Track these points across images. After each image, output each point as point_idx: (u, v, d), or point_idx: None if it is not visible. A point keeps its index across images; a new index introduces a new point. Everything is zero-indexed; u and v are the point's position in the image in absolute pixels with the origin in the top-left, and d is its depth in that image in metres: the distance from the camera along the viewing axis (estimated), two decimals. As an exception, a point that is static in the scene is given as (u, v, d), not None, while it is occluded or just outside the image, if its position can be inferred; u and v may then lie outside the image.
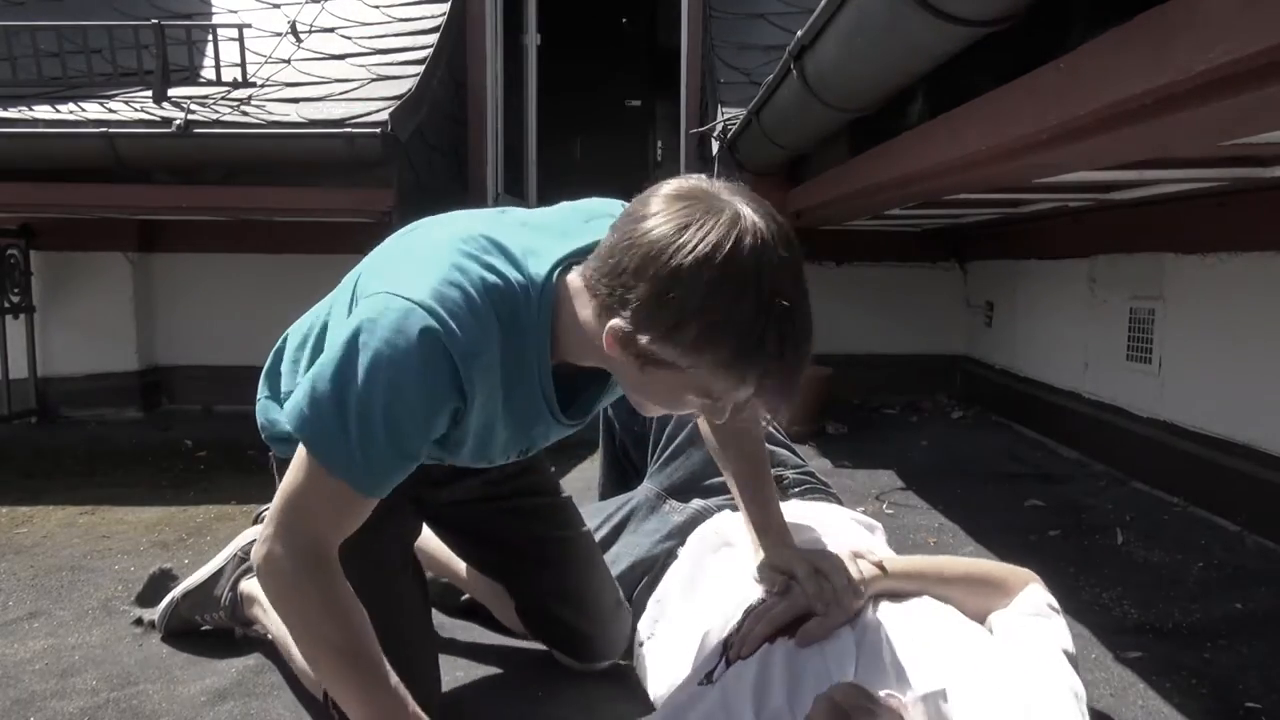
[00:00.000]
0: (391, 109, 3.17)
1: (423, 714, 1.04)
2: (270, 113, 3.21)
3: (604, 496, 1.95)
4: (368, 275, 1.10)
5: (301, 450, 0.99)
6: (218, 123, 3.11)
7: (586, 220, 1.14)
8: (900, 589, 1.14)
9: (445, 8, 4.08)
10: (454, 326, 0.96)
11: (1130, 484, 2.76)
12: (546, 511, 1.50)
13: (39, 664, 1.56)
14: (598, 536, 1.66)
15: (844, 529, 1.42)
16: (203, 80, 3.52)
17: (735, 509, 1.56)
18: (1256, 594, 1.87)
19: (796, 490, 1.68)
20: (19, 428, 3.68)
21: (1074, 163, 1.57)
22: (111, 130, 3.02)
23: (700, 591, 1.37)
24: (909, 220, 3.68)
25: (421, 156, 3.60)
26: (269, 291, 4.12)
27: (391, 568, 1.34)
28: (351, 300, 1.09)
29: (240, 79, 3.49)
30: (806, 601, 1.10)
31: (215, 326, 4.12)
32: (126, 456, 3.19)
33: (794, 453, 1.79)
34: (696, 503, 1.61)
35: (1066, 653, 1.09)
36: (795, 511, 1.51)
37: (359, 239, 4.65)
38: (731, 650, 1.11)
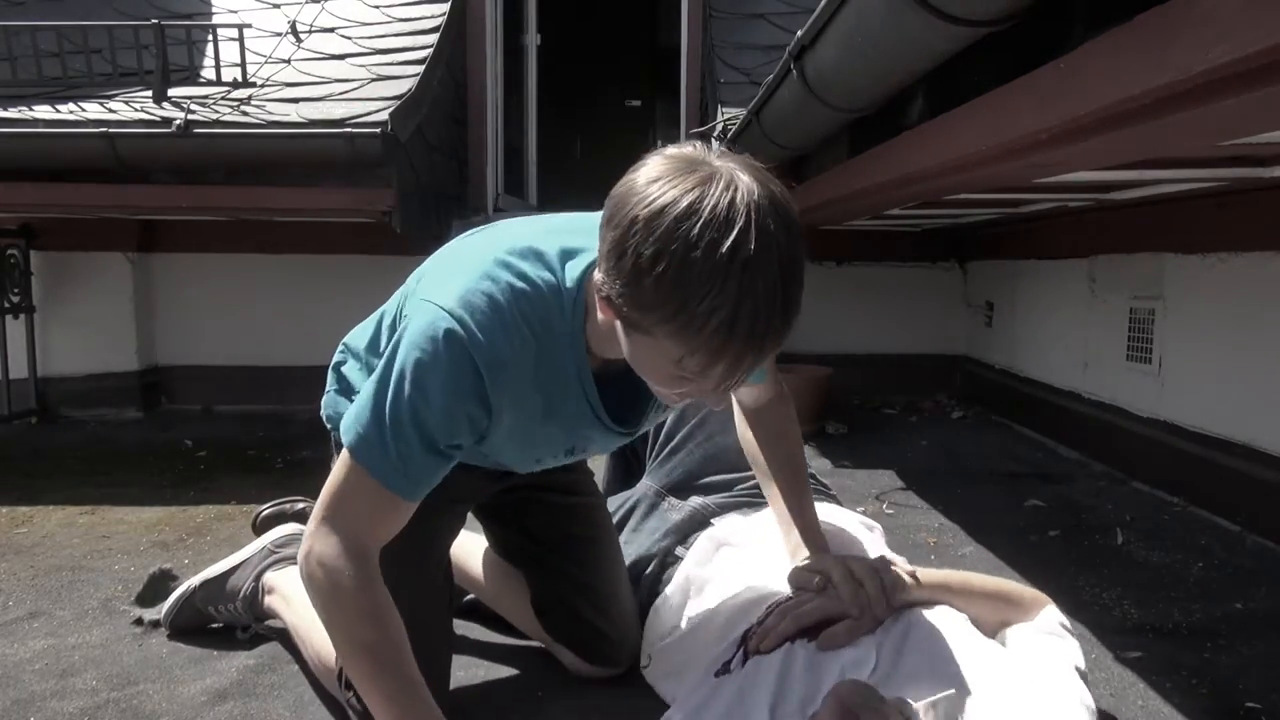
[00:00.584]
0: (391, 109, 3.17)
1: None
2: (270, 113, 3.21)
3: (608, 493, 1.95)
4: (424, 278, 1.13)
5: (345, 452, 1.03)
6: (218, 123, 3.11)
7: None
8: (924, 599, 1.15)
9: (445, 8, 4.08)
10: (478, 334, 0.98)
11: (1130, 484, 2.76)
12: (582, 511, 1.51)
13: (39, 664, 1.56)
14: None
15: (852, 530, 1.43)
16: (203, 80, 3.52)
17: (734, 508, 1.56)
18: (1256, 594, 1.87)
19: None
20: (19, 428, 3.68)
21: (1074, 163, 1.56)
22: (111, 130, 3.02)
23: (709, 592, 1.37)
24: (909, 220, 3.68)
25: (421, 156, 3.60)
26: (269, 291, 4.13)
27: (428, 564, 1.36)
28: (403, 300, 1.14)
29: (240, 79, 3.49)
30: (839, 605, 1.10)
31: (215, 326, 4.13)
32: (126, 456, 3.19)
33: None
34: (695, 500, 1.61)
35: (1079, 670, 1.10)
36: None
37: (359, 239, 4.69)
38: (751, 642, 1.11)
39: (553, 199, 4.71)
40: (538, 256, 1.06)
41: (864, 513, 1.82)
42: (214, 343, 4.12)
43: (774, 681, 1.04)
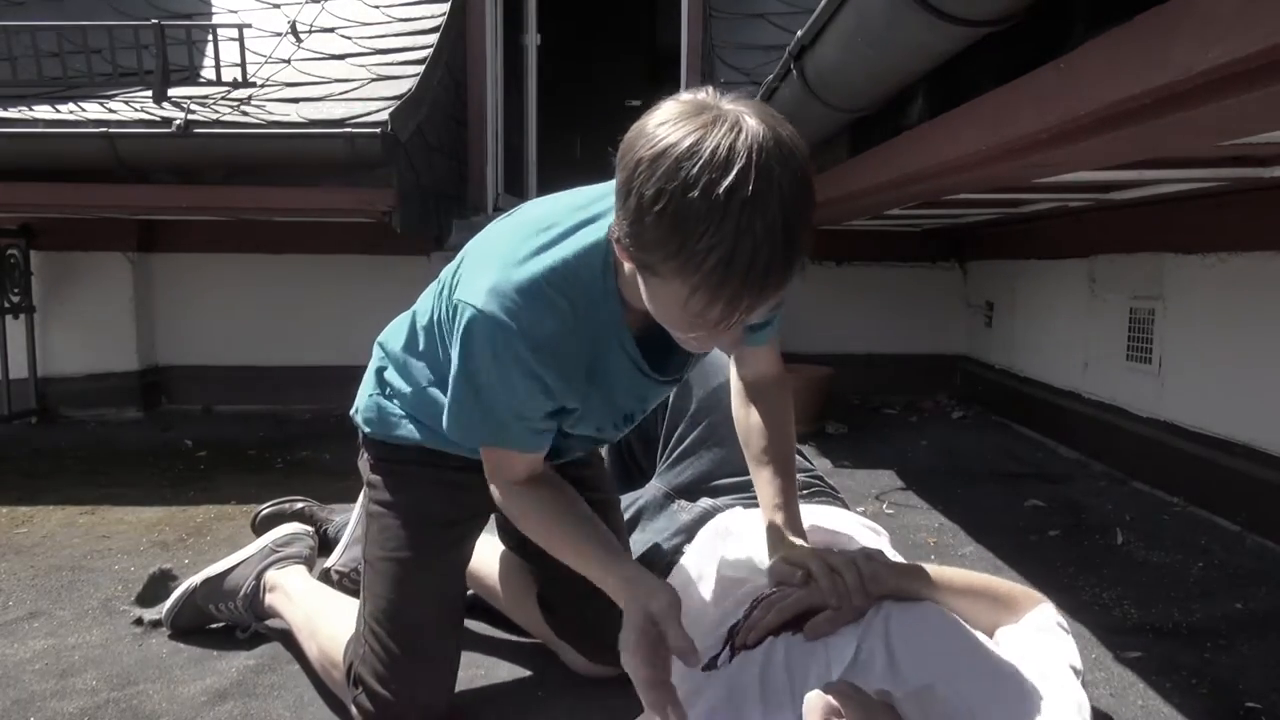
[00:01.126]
0: (391, 109, 3.17)
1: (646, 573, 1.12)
2: (270, 113, 3.21)
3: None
4: (459, 275, 1.17)
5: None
6: (218, 123, 3.11)
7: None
8: (909, 592, 1.15)
9: (445, 8, 4.08)
10: (512, 323, 1.04)
11: (1130, 484, 2.76)
12: (596, 509, 1.51)
13: (39, 664, 1.56)
14: None
15: (854, 533, 1.43)
16: (203, 80, 3.52)
17: (744, 507, 1.56)
18: (1256, 594, 1.87)
19: (804, 493, 1.68)
20: (19, 428, 3.68)
21: (1074, 163, 1.56)
22: (111, 130, 3.02)
23: (704, 583, 1.37)
24: (909, 220, 3.68)
25: (421, 156, 3.60)
26: (269, 291, 4.13)
27: (454, 569, 1.41)
28: (446, 291, 1.20)
29: (240, 79, 3.49)
30: (819, 596, 1.11)
31: (215, 326, 4.13)
32: (126, 456, 3.19)
33: (803, 456, 1.79)
34: (705, 502, 1.61)
35: (1073, 668, 1.10)
36: (804, 515, 1.51)
37: (359, 239, 4.68)
38: (738, 638, 1.12)
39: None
40: (560, 227, 1.10)
41: (863, 513, 1.82)
42: (214, 343, 4.12)
43: (758, 675, 1.04)
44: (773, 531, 1.29)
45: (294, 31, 3.88)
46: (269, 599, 1.63)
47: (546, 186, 5.20)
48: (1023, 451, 3.27)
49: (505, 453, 1.17)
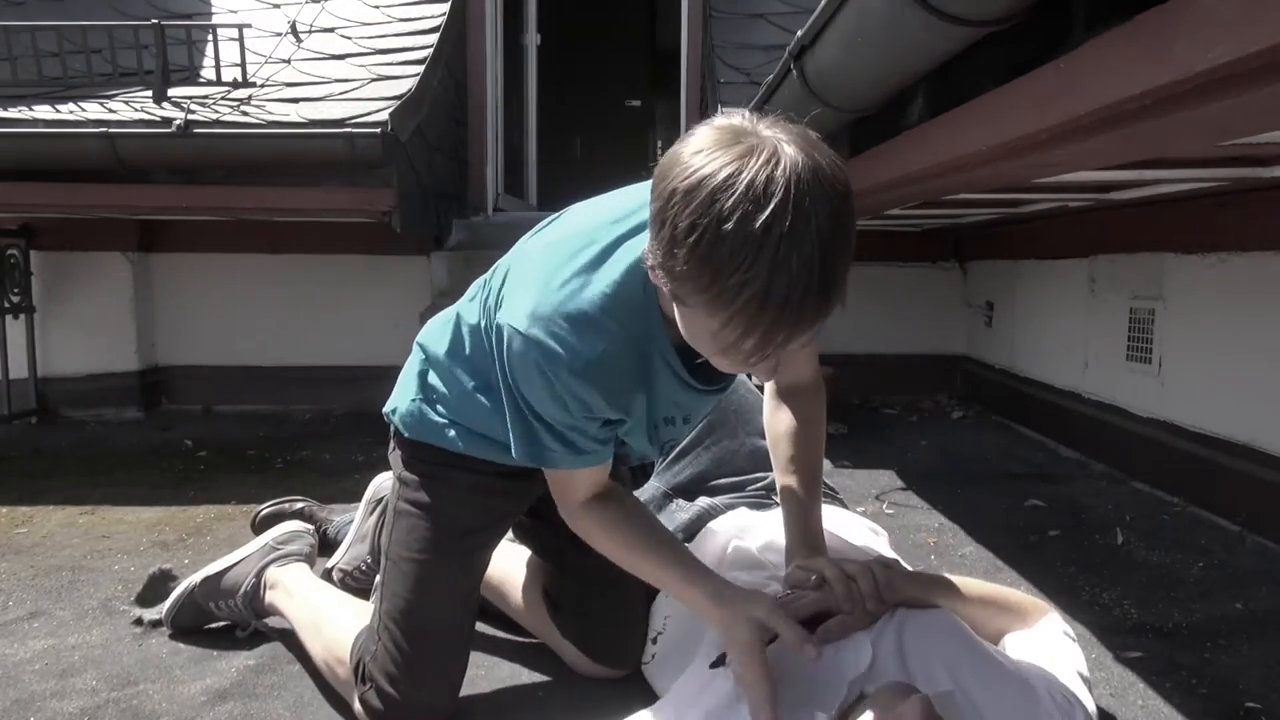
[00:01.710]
0: (391, 109, 3.17)
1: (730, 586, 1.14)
2: (270, 113, 3.21)
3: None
4: (506, 293, 1.16)
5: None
6: (218, 123, 3.11)
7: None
8: (922, 600, 1.15)
9: (445, 8, 4.08)
10: (559, 349, 1.05)
11: (1130, 484, 2.76)
12: None
13: (39, 664, 1.56)
14: None
15: (862, 538, 1.43)
16: (203, 80, 3.52)
17: (741, 506, 1.56)
18: (1256, 594, 1.87)
19: None
20: (19, 428, 3.68)
21: (1074, 163, 1.56)
22: (111, 130, 3.02)
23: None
24: (909, 220, 3.68)
25: (421, 156, 3.60)
26: (269, 291, 4.13)
27: (474, 574, 1.41)
28: (491, 302, 1.20)
29: (240, 79, 3.49)
30: (832, 601, 1.11)
31: (215, 326, 4.13)
32: (126, 456, 3.19)
33: None
34: (703, 501, 1.61)
35: (1081, 675, 1.10)
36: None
37: (359, 239, 4.69)
38: None
39: (553, 199, 4.71)
40: (599, 244, 1.10)
41: (864, 512, 1.82)
42: (214, 343, 4.12)
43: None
44: (792, 538, 1.29)
45: (294, 31, 3.87)
46: (269, 596, 1.63)
47: (546, 186, 5.22)
48: (1023, 451, 3.27)
49: (567, 471, 1.19)
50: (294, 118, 3.17)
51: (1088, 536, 2.28)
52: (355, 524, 1.89)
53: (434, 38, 3.85)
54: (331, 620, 1.47)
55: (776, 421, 1.39)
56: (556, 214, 1.26)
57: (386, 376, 1.52)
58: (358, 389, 3.81)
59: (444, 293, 3.75)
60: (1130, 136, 1.12)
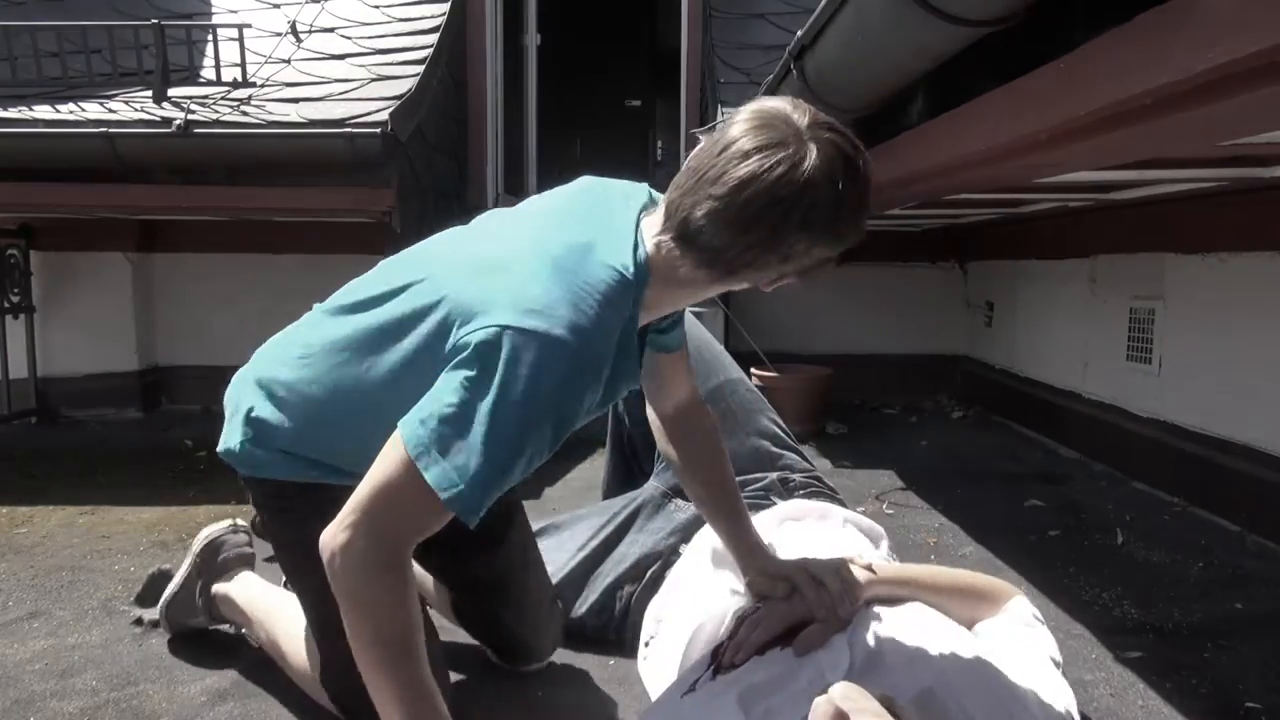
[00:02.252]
0: (391, 109, 3.17)
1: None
2: (270, 113, 3.21)
3: (608, 495, 1.95)
4: (459, 305, 1.06)
5: (402, 453, 0.99)
6: (218, 123, 3.11)
7: (598, 205, 1.17)
8: (890, 594, 1.14)
9: (445, 8, 4.08)
10: (574, 340, 1.00)
11: (1130, 484, 2.76)
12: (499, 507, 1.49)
13: (39, 664, 1.56)
14: (603, 535, 1.67)
15: (835, 533, 1.42)
16: (203, 80, 3.52)
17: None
18: (1256, 594, 1.87)
19: (802, 493, 1.68)
20: (19, 428, 3.68)
21: (1074, 163, 1.57)
22: (111, 130, 3.02)
23: (698, 594, 1.37)
24: (909, 220, 3.68)
25: (421, 156, 3.60)
26: (269, 291, 4.12)
27: None
28: (445, 330, 1.06)
29: (240, 79, 3.49)
30: (804, 609, 1.10)
31: (215, 326, 4.12)
32: (126, 456, 3.19)
33: (802, 456, 1.80)
34: None
35: (1053, 659, 1.10)
36: (796, 508, 1.50)
37: (359, 239, 4.67)
38: (725, 657, 1.10)
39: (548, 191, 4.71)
40: (587, 247, 1.08)
41: (864, 512, 1.82)
42: (214, 343, 4.12)
43: (745, 687, 1.03)
44: (740, 548, 1.29)
45: (294, 31, 3.87)
46: (225, 613, 1.61)
47: (546, 186, 5.17)
48: (1023, 451, 3.27)
49: (434, 501, 0.97)
50: (294, 118, 3.17)
51: (1088, 536, 2.28)
52: None
53: (434, 38, 3.85)
54: (285, 631, 1.43)
55: (679, 454, 1.36)
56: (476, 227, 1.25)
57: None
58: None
59: (444, 293, 3.74)
60: (1130, 136, 1.12)
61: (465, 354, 1.00)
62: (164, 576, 1.79)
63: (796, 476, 1.71)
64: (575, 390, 1.02)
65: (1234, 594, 1.87)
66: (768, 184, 0.94)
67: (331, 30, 3.99)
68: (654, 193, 1.18)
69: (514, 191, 4.85)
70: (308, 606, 1.32)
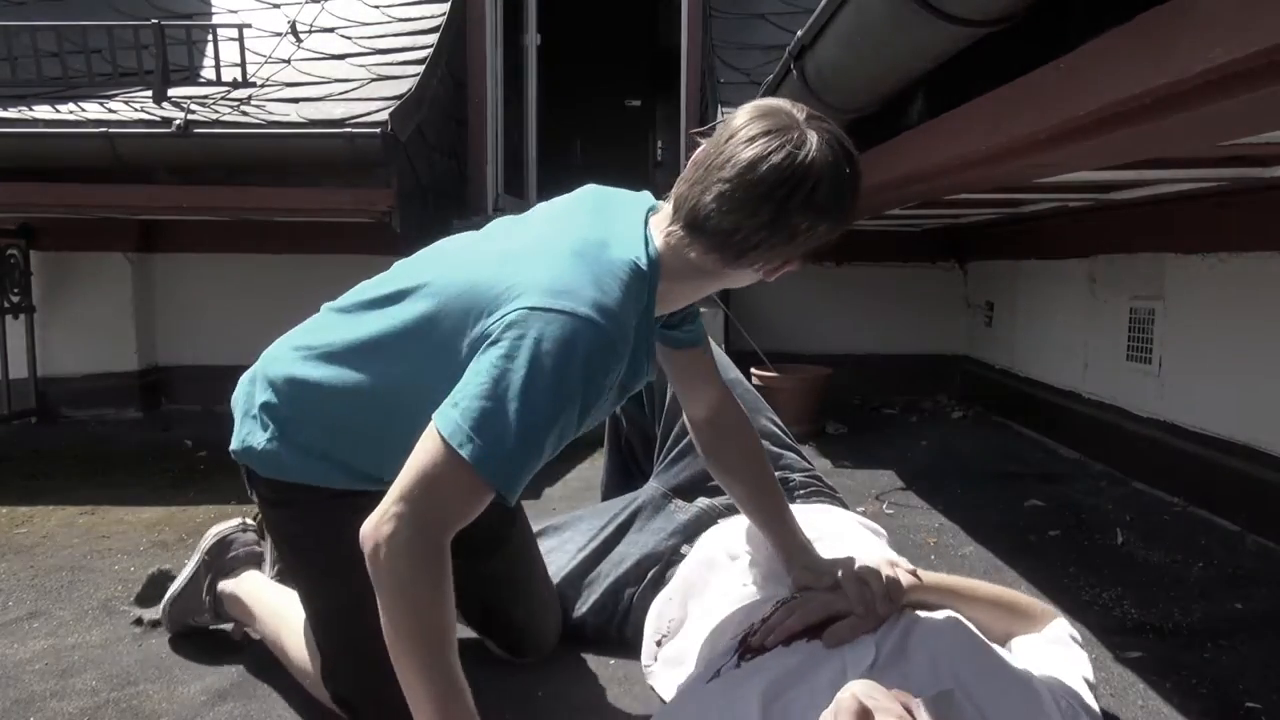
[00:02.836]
0: (391, 109, 3.17)
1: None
2: (270, 113, 3.21)
3: (607, 496, 1.95)
4: (484, 296, 1.08)
5: (438, 440, 0.99)
6: (218, 123, 3.11)
7: (605, 207, 1.20)
8: (929, 601, 1.15)
9: (445, 8, 4.08)
10: (605, 323, 1.03)
11: (1130, 484, 2.76)
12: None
13: (39, 664, 1.56)
14: (602, 536, 1.67)
15: (857, 537, 1.43)
16: (203, 80, 3.52)
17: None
18: (1256, 594, 1.87)
19: (802, 493, 1.68)
20: (19, 428, 3.68)
21: (1074, 163, 1.57)
22: (111, 130, 3.02)
23: (711, 600, 1.37)
24: (909, 220, 3.68)
25: (421, 156, 3.60)
26: (269, 291, 4.12)
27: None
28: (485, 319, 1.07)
29: (240, 79, 3.49)
30: (844, 603, 1.11)
31: (215, 326, 4.12)
32: (126, 456, 3.19)
33: (801, 456, 1.80)
34: (702, 501, 1.61)
35: (1087, 680, 1.10)
36: (801, 517, 1.50)
37: (359, 239, 4.68)
38: (755, 639, 1.11)
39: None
40: (602, 243, 1.11)
41: (864, 512, 1.82)
42: (214, 343, 4.12)
43: (768, 678, 1.04)
44: (786, 542, 1.31)
45: (294, 31, 3.87)
46: (231, 611, 1.61)
47: (546, 186, 5.21)
48: (1023, 451, 3.27)
49: (479, 484, 0.99)
50: (294, 118, 3.17)
51: (1088, 536, 2.28)
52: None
53: (434, 38, 3.85)
54: (288, 629, 1.44)
55: (721, 461, 1.39)
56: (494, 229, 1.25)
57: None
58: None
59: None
60: (1130, 136, 1.12)
61: (495, 337, 1.02)
62: (164, 576, 1.79)
63: (796, 476, 1.71)
64: (602, 367, 1.05)
65: (1234, 594, 1.87)
66: (774, 164, 1.00)
67: (331, 30, 3.99)
68: (656, 201, 1.22)
69: (514, 192, 4.85)
70: (306, 603, 1.33)
